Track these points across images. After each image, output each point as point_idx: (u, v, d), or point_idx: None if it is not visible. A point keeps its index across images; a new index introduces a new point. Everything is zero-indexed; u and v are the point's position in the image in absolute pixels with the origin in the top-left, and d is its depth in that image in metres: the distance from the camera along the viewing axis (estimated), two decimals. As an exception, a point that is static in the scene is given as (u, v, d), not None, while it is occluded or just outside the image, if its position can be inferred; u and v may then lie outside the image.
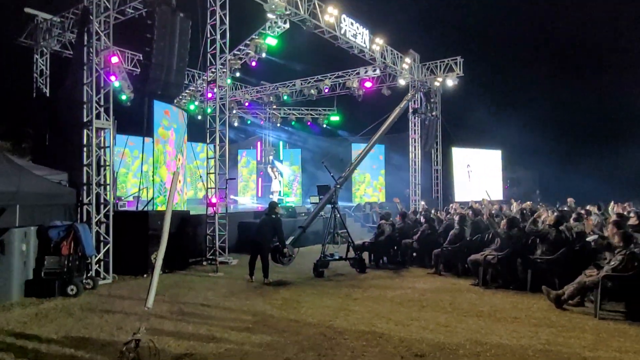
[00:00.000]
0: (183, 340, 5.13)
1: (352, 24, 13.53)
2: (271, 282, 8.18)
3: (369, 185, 20.41)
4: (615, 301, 6.38)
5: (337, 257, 9.48)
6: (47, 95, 13.27)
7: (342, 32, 13.14)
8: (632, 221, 7.41)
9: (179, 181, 10.99)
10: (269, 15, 12.16)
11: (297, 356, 4.66)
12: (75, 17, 12.52)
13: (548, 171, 20.17)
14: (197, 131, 14.47)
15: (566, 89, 22.72)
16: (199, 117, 18.94)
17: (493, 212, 10.35)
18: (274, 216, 8.57)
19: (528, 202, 12.41)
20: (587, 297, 6.49)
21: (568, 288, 6.41)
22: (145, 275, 8.83)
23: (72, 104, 9.44)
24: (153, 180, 10.50)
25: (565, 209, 11.25)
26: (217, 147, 10.34)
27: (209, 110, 10.89)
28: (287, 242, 8.66)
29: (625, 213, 9.14)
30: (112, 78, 9.15)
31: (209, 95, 11.03)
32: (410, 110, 16.19)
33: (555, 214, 8.02)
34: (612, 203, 11.13)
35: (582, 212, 9.40)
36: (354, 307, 6.54)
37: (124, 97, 15.10)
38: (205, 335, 5.32)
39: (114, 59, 9.01)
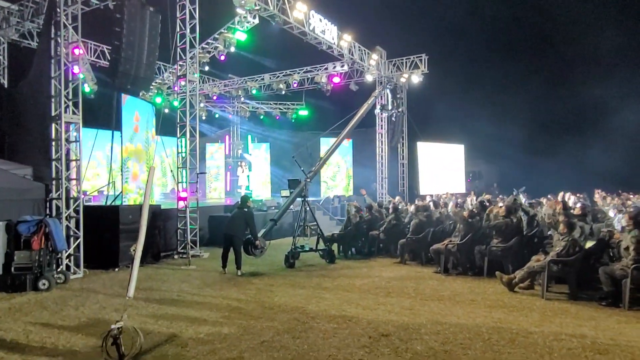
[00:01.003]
0: (163, 328, 5.33)
1: (320, 20, 13.76)
2: (244, 273, 8.40)
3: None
4: (560, 284, 7.08)
5: (307, 249, 9.81)
6: (6, 87, 12.80)
7: (311, 28, 13.35)
8: (577, 211, 8.14)
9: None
10: (239, 10, 12.17)
11: (274, 339, 4.96)
12: (35, 6, 12.12)
13: (508, 165, 21.10)
14: (164, 125, 14.30)
15: (528, 85, 23.73)
16: (166, 111, 18.68)
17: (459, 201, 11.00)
18: (245, 209, 8.76)
19: (487, 195, 13.15)
20: (535, 281, 7.14)
21: (519, 273, 7.04)
22: (116, 269, 8.86)
23: (37, 97, 9.22)
24: (122, 174, 10.43)
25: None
26: (188, 142, 10.40)
27: (175, 104, 10.90)
28: (259, 235, 8.91)
29: (570, 203, 9.98)
30: (76, 69, 8.98)
31: (177, 88, 11.03)
32: (379, 106, 16.64)
33: (504, 205, 8.65)
34: (561, 193, 12.07)
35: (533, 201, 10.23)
36: (325, 295, 6.88)
37: (87, 90, 14.71)
38: (184, 322, 5.52)
39: (78, 51, 8.83)
